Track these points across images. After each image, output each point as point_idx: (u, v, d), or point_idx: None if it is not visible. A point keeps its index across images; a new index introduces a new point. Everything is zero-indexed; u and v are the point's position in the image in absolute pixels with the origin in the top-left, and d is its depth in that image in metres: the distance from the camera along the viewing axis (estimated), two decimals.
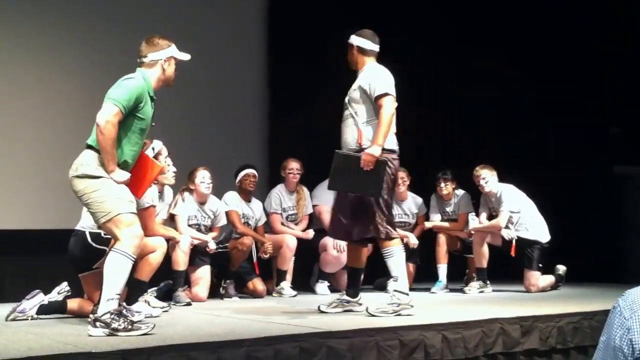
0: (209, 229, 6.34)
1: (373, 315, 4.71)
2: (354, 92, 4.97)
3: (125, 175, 4.09)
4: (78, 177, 4.05)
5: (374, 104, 4.86)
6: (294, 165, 7.00)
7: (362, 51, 5.05)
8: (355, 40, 5.07)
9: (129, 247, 3.95)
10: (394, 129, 4.95)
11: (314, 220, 7.17)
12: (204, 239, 6.15)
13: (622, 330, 1.59)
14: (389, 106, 4.79)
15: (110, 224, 3.99)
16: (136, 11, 7.15)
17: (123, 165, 4.13)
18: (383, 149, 4.78)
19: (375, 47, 5.07)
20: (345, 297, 5.12)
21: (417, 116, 8.19)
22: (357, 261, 5.16)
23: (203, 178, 6.22)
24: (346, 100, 5.02)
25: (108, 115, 4.00)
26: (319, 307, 5.11)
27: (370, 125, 4.87)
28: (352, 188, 4.84)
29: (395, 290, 4.84)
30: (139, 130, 4.17)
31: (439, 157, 7.75)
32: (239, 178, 6.71)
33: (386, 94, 4.81)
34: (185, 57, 4.40)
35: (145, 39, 4.36)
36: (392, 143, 4.93)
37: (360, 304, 5.10)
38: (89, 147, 4.12)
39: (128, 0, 7.28)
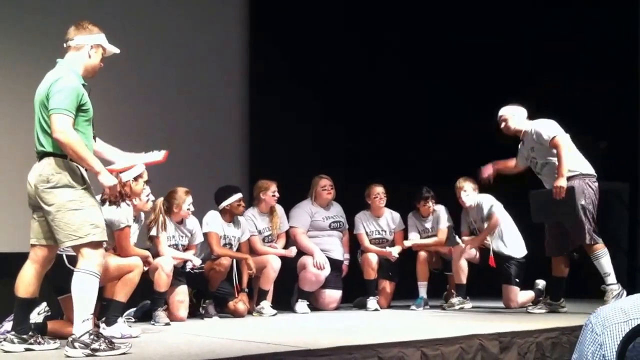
0: (186, 248, 6.24)
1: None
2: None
3: (113, 180, 4.01)
4: (54, 187, 3.93)
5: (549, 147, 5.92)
6: (275, 187, 6.83)
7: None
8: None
9: (94, 266, 3.92)
10: (579, 156, 5.97)
11: (289, 241, 7.08)
12: (185, 257, 6.07)
13: (595, 346, 1.61)
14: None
15: (77, 247, 3.96)
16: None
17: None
18: (582, 174, 5.89)
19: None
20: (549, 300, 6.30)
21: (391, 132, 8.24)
22: (563, 271, 6.22)
23: (189, 205, 6.09)
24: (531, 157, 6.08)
25: (64, 126, 3.89)
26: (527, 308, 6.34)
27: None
28: (553, 218, 5.94)
29: (610, 284, 5.82)
30: (86, 122, 4.06)
31: (414, 173, 7.72)
32: (228, 202, 6.48)
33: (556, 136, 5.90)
34: (114, 50, 4.25)
35: (75, 23, 4.21)
36: (588, 168, 5.95)
37: (564, 307, 6.28)
38: (50, 154, 3.98)
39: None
